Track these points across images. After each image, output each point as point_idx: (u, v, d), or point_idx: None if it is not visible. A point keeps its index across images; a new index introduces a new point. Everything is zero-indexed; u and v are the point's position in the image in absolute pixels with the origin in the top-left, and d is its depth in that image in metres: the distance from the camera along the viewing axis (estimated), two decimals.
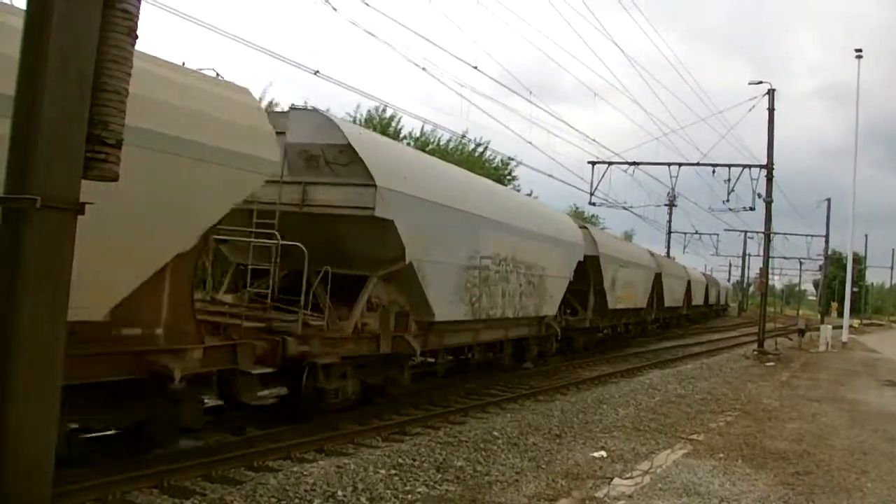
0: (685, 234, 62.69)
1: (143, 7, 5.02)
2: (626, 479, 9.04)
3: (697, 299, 37.90)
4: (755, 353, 30.25)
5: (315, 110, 12.95)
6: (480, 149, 43.70)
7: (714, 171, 31.32)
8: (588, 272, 24.00)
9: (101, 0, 4.60)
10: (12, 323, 4.15)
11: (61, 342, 4.38)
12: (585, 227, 25.31)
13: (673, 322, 43.54)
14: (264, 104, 21.99)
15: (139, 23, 4.94)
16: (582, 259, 22.16)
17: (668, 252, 57.54)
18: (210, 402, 10.34)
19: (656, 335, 38.12)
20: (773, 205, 31.25)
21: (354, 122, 38.87)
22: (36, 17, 4.35)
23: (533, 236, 17.60)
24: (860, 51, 38.00)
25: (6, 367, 4.13)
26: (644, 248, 37.90)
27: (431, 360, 15.80)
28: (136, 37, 4.95)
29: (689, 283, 42.86)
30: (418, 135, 41.94)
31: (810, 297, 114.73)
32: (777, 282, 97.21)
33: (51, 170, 4.31)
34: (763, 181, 30.87)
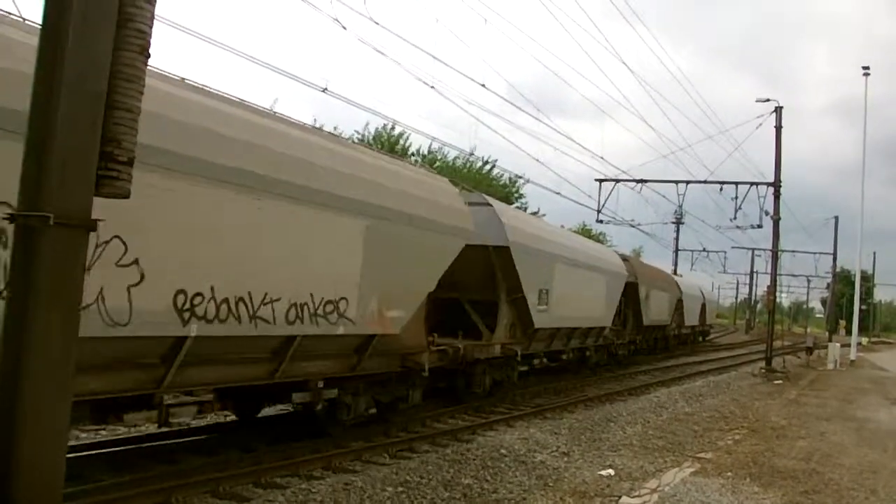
0: (692, 251, 62.74)
1: (155, 24, 5.08)
2: (634, 497, 9.02)
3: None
4: (763, 370, 30.16)
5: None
6: (488, 167, 43.78)
7: (721, 189, 31.46)
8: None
9: (115, 19, 4.64)
10: (25, 339, 4.17)
11: (73, 359, 4.40)
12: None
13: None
14: None
15: (151, 41, 4.99)
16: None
17: (675, 269, 57.48)
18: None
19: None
20: (780, 222, 31.36)
21: (363, 139, 39.02)
22: (51, 35, 4.39)
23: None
24: (867, 68, 37.94)
25: (18, 383, 4.14)
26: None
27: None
28: (149, 55, 4.99)
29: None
30: (426, 152, 42.06)
31: (818, 315, 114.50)
32: (785, 299, 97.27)
33: (64, 187, 4.34)
34: (771, 198, 30.90)
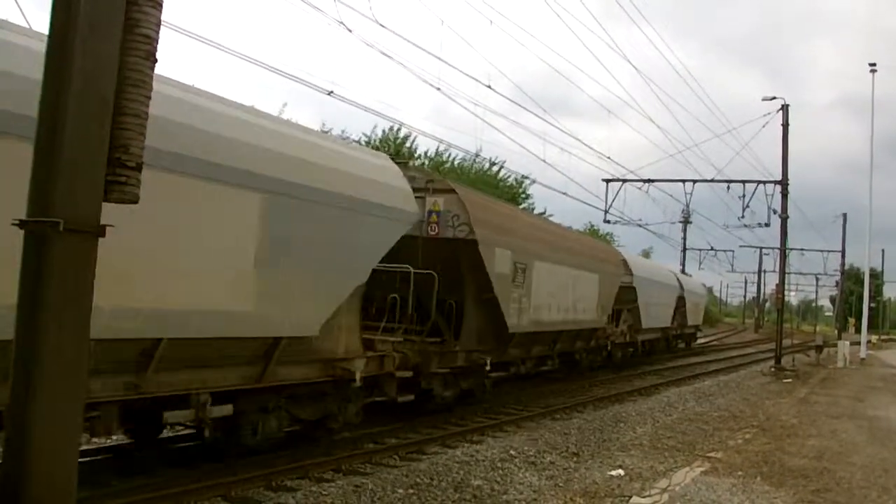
0: (700, 250, 62.50)
1: (162, 30, 5.10)
2: (645, 497, 9.00)
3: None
4: (772, 369, 30.07)
5: None
6: (495, 168, 43.76)
7: (729, 188, 31.44)
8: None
9: (121, 25, 4.66)
10: (37, 345, 4.18)
11: (85, 363, 4.41)
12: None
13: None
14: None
15: (158, 46, 5.00)
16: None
17: (683, 269, 57.39)
18: None
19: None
20: (788, 220, 31.32)
21: (370, 142, 39.10)
22: (58, 41, 4.41)
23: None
24: (874, 65, 37.81)
25: (30, 389, 4.16)
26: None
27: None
28: (156, 60, 5.01)
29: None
30: (433, 154, 42.11)
31: (827, 313, 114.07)
32: (793, 298, 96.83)
33: (73, 193, 4.35)
34: (778, 196, 30.87)
